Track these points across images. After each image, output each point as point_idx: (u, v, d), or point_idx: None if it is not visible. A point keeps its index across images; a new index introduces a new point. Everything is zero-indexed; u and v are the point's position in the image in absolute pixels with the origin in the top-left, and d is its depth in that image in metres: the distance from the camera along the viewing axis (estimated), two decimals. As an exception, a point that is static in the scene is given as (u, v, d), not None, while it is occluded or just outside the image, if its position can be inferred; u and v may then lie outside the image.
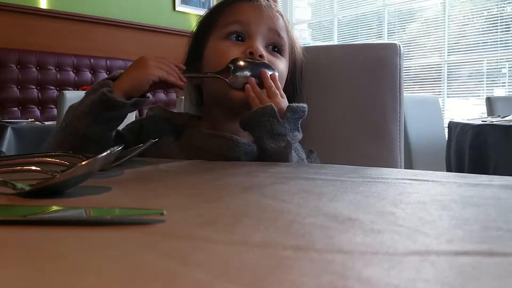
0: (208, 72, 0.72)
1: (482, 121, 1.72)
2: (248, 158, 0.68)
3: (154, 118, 0.77)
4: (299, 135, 0.67)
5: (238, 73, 0.68)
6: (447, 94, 3.60)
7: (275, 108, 0.64)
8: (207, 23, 0.77)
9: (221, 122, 0.74)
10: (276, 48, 0.75)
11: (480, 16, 3.46)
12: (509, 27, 3.30)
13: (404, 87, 0.84)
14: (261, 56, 0.70)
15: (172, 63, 0.68)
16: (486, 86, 3.42)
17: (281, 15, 0.77)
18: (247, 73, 0.69)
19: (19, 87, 3.12)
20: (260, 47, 0.71)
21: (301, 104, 0.67)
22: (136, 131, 0.77)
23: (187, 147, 0.70)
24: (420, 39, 3.77)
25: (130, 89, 0.66)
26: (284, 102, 0.67)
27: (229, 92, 0.69)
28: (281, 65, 0.74)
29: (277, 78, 0.70)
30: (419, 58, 3.74)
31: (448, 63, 3.58)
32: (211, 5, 4.38)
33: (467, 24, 3.53)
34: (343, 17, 4.25)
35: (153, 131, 0.74)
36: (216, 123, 0.74)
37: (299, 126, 0.67)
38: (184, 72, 0.69)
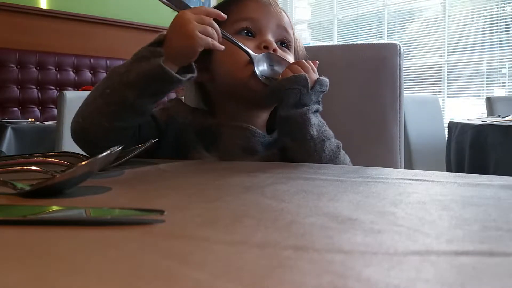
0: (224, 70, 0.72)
1: (482, 121, 1.72)
2: (264, 149, 0.70)
3: (177, 103, 0.77)
4: (320, 107, 0.68)
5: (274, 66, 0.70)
6: (447, 94, 3.60)
7: (308, 78, 0.65)
8: (214, 20, 0.78)
9: (235, 115, 0.74)
10: (284, 43, 0.76)
11: (480, 16, 3.46)
12: (509, 27, 3.30)
13: (404, 87, 0.84)
14: (274, 50, 0.72)
15: (212, 21, 0.64)
16: (486, 86, 3.42)
17: (285, 13, 0.79)
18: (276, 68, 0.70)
19: (19, 87, 3.11)
20: (273, 41, 0.73)
21: (326, 78, 0.69)
22: (165, 113, 0.75)
23: (205, 137, 0.71)
24: (420, 39, 3.77)
25: (179, 61, 0.63)
26: (315, 76, 0.69)
27: (249, 81, 0.69)
28: (291, 59, 0.76)
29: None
30: (419, 58, 3.75)
31: (448, 63, 3.58)
32: (211, 5, 4.39)
33: (467, 24, 3.53)
34: (343, 17, 4.25)
35: (177, 116, 0.74)
36: (230, 117, 0.74)
37: (320, 100, 0.69)
38: (222, 34, 0.66)
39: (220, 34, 0.64)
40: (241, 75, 0.69)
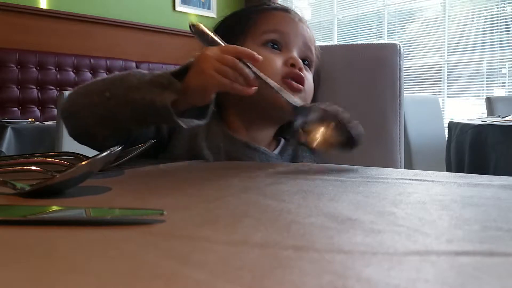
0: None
1: (482, 121, 1.72)
2: None
3: None
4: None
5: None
6: (447, 94, 3.60)
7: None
8: (238, 27, 0.75)
9: (244, 126, 0.72)
10: (306, 61, 0.75)
11: (480, 16, 3.46)
12: (509, 27, 3.30)
13: (404, 87, 0.84)
14: (300, 68, 0.71)
15: (236, 62, 0.56)
16: (486, 86, 3.42)
17: (309, 29, 0.78)
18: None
19: (19, 87, 3.11)
20: (299, 60, 0.71)
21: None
22: None
23: (218, 149, 0.67)
24: (420, 39, 3.77)
25: (191, 99, 0.58)
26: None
27: (277, 100, 0.62)
28: (311, 78, 0.75)
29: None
30: (419, 58, 3.74)
31: (448, 63, 3.58)
32: (211, 5, 4.39)
33: (467, 24, 3.53)
34: (343, 17, 4.24)
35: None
36: (238, 126, 0.72)
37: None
38: (256, 75, 0.57)
39: (251, 75, 0.56)
40: (276, 99, 0.62)
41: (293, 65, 0.70)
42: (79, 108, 0.60)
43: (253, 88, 0.56)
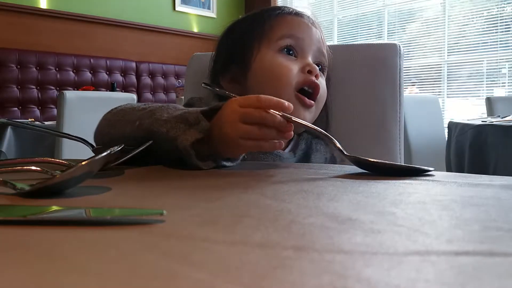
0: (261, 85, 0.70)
1: (482, 121, 1.72)
2: None
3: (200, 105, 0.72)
4: None
5: None
6: (447, 94, 3.60)
7: None
8: (252, 33, 0.75)
9: None
10: (319, 66, 0.75)
11: (480, 16, 3.46)
12: (509, 27, 3.30)
13: (404, 87, 0.84)
14: (316, 75, 0.71)
15: (262, 115, 0.50)
16: (486, 86, 3.42)
17: (321, 32, 0.78)
18: None
19: (19, 87, 3.12)
20: (316, 67, 0.72)
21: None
22: None
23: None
24: (420, 39, 3.77)
25: (217, 150, 0.54)
26: None
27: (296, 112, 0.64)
28: (324, 84, 0.76)
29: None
30: (419, 58, 3.75)
31: (448, 63, 3.58)
32: (211, 5, 4.39)
33: (467, 24, 3.53)
34: (343, 17, 4.25)
35: None
36: None
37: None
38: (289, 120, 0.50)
39: (283, 124, 0.50)
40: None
41: (310, 72, 0.70)
42: (112, 137, 0.58)
43: (288, 134, 0.51)
